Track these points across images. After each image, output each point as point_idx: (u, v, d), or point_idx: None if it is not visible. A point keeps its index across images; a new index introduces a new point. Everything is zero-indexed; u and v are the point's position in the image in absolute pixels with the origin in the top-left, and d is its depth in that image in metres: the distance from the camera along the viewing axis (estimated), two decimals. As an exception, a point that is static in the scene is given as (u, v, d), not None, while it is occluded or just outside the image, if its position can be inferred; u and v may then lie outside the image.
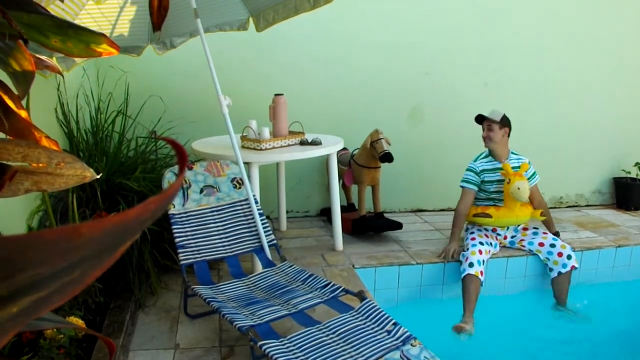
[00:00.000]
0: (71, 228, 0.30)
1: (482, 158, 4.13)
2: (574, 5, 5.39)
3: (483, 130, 4.08)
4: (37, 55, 1.10)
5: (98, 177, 0.86)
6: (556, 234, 4.24)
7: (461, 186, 4.12)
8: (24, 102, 2.46)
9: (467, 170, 4.13)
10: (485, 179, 4.07)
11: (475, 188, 4.09)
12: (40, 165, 0.80)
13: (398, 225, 4.46)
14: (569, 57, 5.48)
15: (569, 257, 3.96)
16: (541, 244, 4.07)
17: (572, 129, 5.65)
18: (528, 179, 4.02)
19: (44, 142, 0.99)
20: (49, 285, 0.34)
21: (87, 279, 0.37)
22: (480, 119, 4.10)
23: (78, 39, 0.94)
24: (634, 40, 5.63)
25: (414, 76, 5.19)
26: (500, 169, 4.01)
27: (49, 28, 0.88)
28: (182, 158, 0.39)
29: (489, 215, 3.95)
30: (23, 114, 1.00)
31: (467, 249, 3.92)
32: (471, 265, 3.77)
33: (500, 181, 4.02)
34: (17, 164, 0.77)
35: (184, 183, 3.33)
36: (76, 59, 3.41)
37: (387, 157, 4.15)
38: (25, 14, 0.83)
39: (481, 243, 3.95)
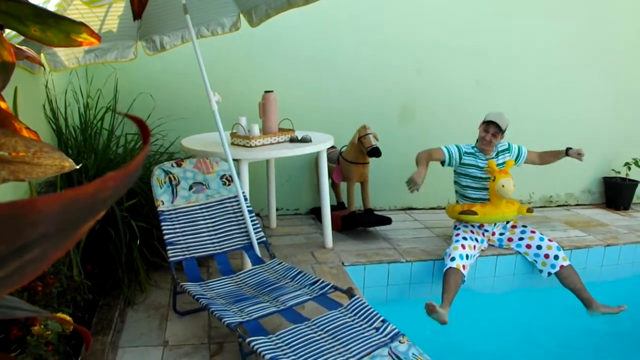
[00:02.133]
0: (26, 201, 0.30)
1: (468, 145, 4.20)
2: (567, 4, 5.41)
3: (486, 132, 4.06)
4: (18, 46, 1.09)
5: (77, 167, 0.85)
6: (568, 150, 4.30)
7: (439, 147, 4.18)
8: (10, 97, 2.44)
9: (454, 145, 4.20)
10: (466, 162, 4.12)
11: (446, 155, 4.14)
12: (20, 154, 0.80)
13: (387, 220, 4.46)
14: (560, 57, 5.50)
15: (555, 257, 3.97)
16: (528, 246, 4.09)
17: (562, 128, 5.66)
18: (515, 160, 4.16)
19: (24, 133, 0.98)
20: (8, 264, 0.33)
21: (48, 259, 0.36)
22: (492, 124, 4.06)
23: (58, 28, 0.93)
24: (625, 40, 5.66)
25: (405, 74, 5.19)
26: (483, 160, 4.08)
27: (27, 16, 0.87)
28: (145, 134, 0.39)
29: (474, 213, 3.96)
30: (3, 105, 0.99)
31: (450, 246, 3.94)
32: (453, 259, 3.80)
33: (480, 167, 4.07)
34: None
35: (172, 180, 3.32)
36: (66, 64, 3.39)
37: (375, 152, 4.16)
38: (2, 1, 0.82)
39: (464, 238, 3.96)
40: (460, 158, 4.12)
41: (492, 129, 4.04)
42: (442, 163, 4.18)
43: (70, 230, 0.35)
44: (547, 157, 4.32)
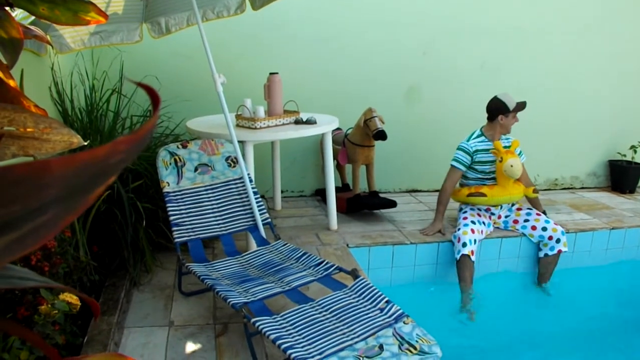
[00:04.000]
0: (40, 162, 0.31)
1: (475, 138, 4.09)
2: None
3: (516, 117, 4.06)
4: (26, 25, 1.10)
5: (85, 143, 0.86)
6: (543, 212, 4.25)
7: (451, 165, 4.12)
8: (17, 79, 2.45)
9: (459, 149, 4.09)
10: (479, 159, 4.05)
11: (464, 169, 4.08)
12: (28, 130, 0.81)
13: (392, 203, 4.46)
14: (565, 40, 5.46)
15: (557, 240, 3.99)
16: (534, 228, 4.09)
17: (568, 111, 5.64)
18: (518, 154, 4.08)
19: (33, 110, 0.99)
20: (22, 226, 0.34)
21: (60, 223, 0.37)
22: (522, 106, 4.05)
23: (66, 6, 0.94)
24: (631, 24, 5.61)
25: (411, 56, 5.16)
26: (490, 143, 4.03)
27: (35, -6, 0.88)
28: (155, 100, 0.39)
29: (483, 194, 3.95)
30: (12, 83, 1.00)
31: (459, 229, 3.93)
32: (464, 245, 3.79)
33: (494, 161, 4.03)
34: (3, 129, 0.77)
35: (178, 161, 3.33)
36: (71, 46, 3.40)
37: (381, 135, 4.15)
38: (11, -21, 0.83)
39: (473, 222, 3.96)
40: (472, 161, 4.06)
41: (516, 112, 4.04)
42: None
43: (81, 194, 0.36)
44: (525, 179, 4.22)
